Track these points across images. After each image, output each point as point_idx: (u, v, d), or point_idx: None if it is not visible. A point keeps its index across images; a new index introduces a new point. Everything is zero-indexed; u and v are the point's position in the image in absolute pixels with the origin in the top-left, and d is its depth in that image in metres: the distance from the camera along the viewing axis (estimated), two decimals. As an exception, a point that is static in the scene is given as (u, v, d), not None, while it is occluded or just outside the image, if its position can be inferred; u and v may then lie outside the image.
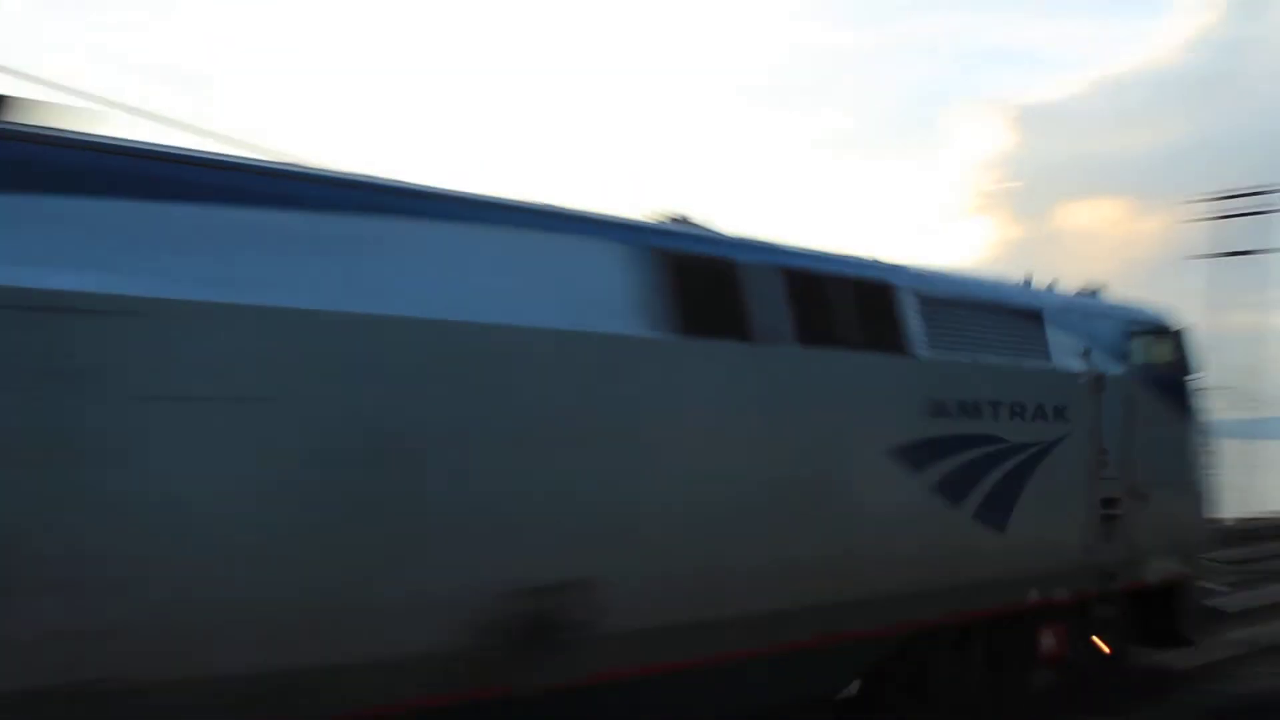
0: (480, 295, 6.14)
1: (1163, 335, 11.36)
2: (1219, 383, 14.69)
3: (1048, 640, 10.12)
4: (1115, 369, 10.47)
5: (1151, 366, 10.99)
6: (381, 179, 6.21)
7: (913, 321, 8.57)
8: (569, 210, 6.96)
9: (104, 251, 4.93)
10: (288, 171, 5.92)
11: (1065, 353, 10.02)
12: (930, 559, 8.61)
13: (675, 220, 7.79)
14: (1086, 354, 10.23)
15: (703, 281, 7.20)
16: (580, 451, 6.43)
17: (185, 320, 5.06)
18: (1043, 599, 9.71)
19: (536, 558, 6.19)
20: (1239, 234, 35.78)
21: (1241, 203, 35.61)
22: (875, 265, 8.73)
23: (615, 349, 6.69)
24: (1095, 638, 10.59)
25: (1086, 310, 10.67)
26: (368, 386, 5.67)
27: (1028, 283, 10.54)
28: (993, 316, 9.45)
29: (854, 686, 8.74)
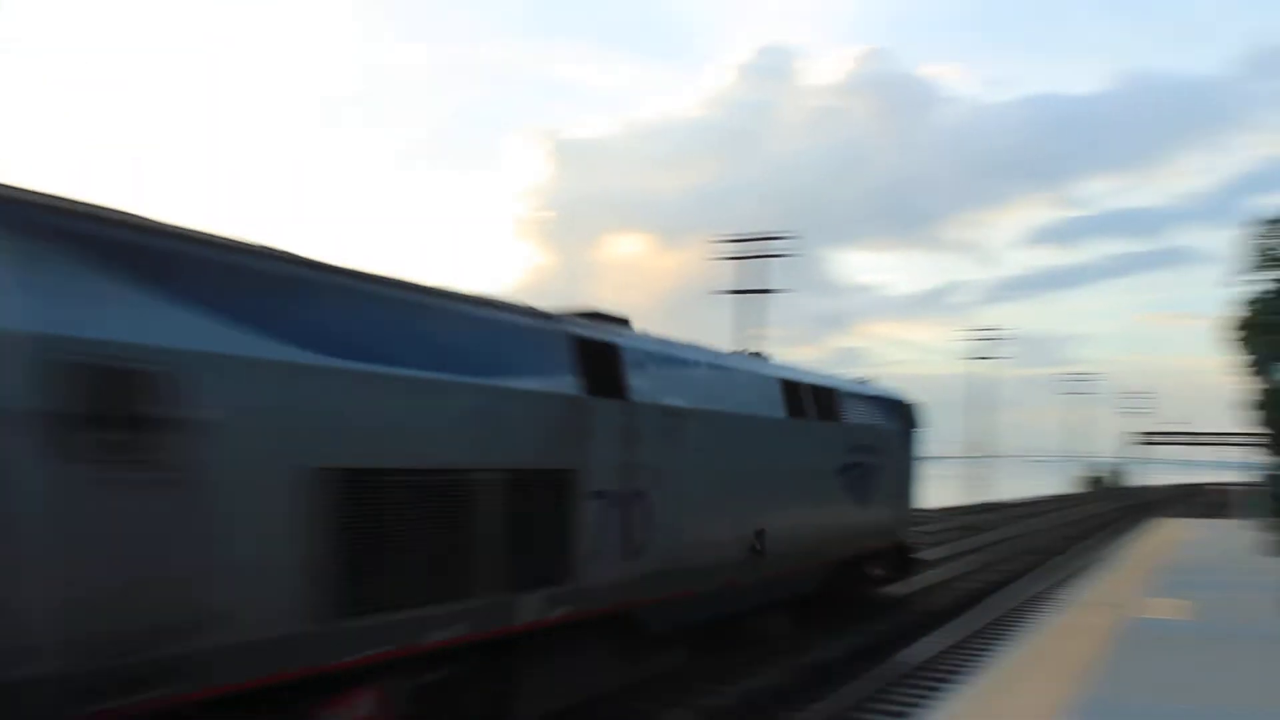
0: (749, 403, 14.19)
1: (906, 407, 20.87)
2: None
3: (870, 569, 19.39)
4: (892, 425, 19.81)
5: (901, 424, 20.40)
6: (717, 351, 14.58)
7: (841, 407, 17.42)
8: (756, 360, 16.08)
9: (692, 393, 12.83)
10: (695, 347, 13.59)
11: (882, 418, 19.36)
12: (847, 524, 17.52)
13: (753, 353, 16.86)
14: (885, 418, 19.50)
15: (796, 392, 15.72)
16: (764, 472, 14.39)
17: (698, 419, 12.68)
18: (872, 546, 18.99)
19: (756, 517, 14.08)
20: (758, 273, 40.41)
21: (755, 246, 40.57)
22: (832, 377, 18.17)
23: (782, 425, 15.07)
24: (882, 569, 19.98)
25: (882, 393, 20.09)
26: (733, 445, 13.50)
27: (864, 381, 20.38)
28: (860, 400, 18.59)
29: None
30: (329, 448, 7.35)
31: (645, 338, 12.37)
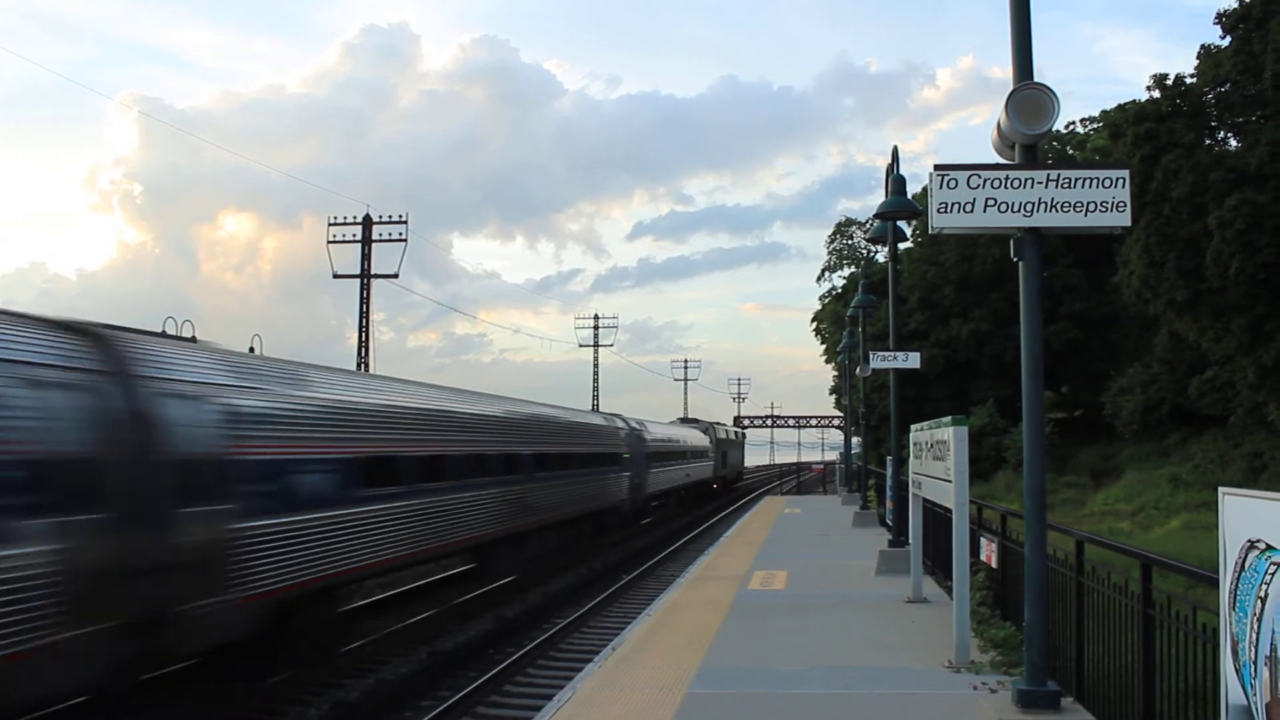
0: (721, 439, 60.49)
1: (742, 432, 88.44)
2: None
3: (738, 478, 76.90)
4: (738, 437, 77.39)
5: (740, 436, 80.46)
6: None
7: (733, 434, 72.30)
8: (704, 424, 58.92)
9: None
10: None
11: (737, 435, 78.55)
12: (740, 465, 77.91)
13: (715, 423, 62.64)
14: (736, 435, 76.04)
15: (724, 431, 65.84)
16: (726, 455, 62.47)
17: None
18: (739, 472, 78.10)
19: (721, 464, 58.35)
20: (374, 257, 40.17)
21: (370, 229, 40.20)
22: (723, 424, 68.74)
23: (726, 441, 65.20)
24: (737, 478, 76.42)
25: (739, 428, 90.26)
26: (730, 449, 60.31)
27: (725, 424, 72.26)
28: (733, 430, 76.73)
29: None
30: None
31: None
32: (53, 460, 9.13)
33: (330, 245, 40.08)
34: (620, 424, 35.21)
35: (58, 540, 8.93)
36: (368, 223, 40.09)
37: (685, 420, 60.89)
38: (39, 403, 9.15)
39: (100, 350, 10.35)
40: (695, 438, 51.07)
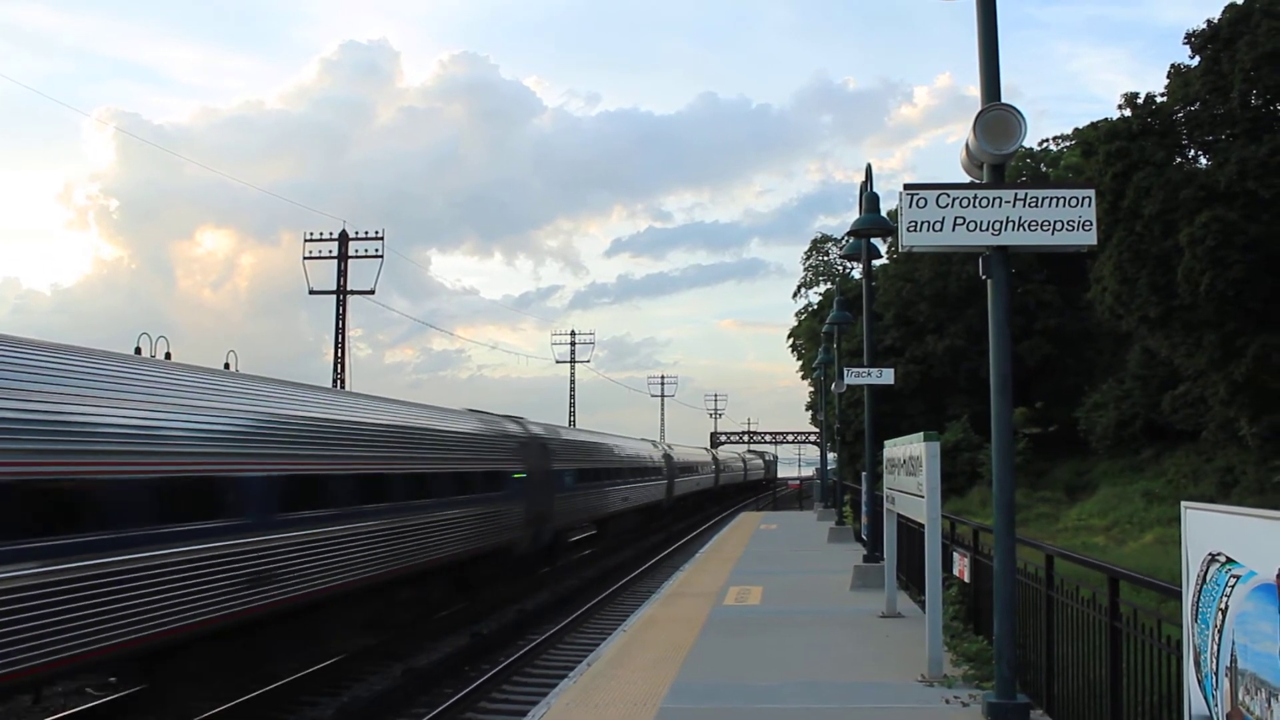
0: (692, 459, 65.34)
1: (774, 459, 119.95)
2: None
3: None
4: (771, 459, 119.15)
5: (773, 460, 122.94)
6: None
7: (773, 458, 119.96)
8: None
9: None
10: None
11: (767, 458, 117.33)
12: (759, 476, 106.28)
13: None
14: (770, 460, 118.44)
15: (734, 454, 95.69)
16: (714, 474, 70.28)
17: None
18: (758, 479, 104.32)
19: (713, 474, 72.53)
20: (351, 273, 39.75)
21: (347, 245, 39.89)
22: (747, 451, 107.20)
23: (732, 459, 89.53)
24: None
25: (770, 454, 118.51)
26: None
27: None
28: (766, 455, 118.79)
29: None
30: None
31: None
32: (773, 466, 31.00)
33: (306, 261, 39.90)
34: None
35: None
36: (344, 239, 39.89)
37: (751, 450, 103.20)
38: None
39: None
40: (697, 454, 65.90)
